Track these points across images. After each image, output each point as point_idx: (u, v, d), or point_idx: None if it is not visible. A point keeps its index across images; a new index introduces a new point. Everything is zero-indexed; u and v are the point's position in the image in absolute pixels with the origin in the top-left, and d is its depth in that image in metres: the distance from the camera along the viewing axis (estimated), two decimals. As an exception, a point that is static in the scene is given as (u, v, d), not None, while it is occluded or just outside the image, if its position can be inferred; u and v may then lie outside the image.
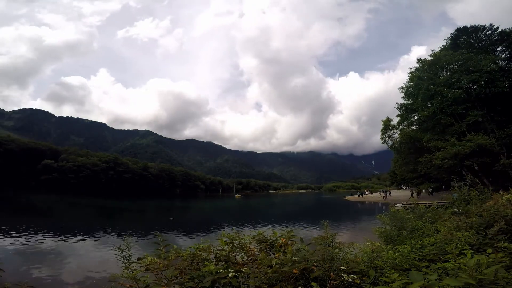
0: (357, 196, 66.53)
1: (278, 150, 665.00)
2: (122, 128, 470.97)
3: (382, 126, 39.48)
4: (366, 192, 73.89)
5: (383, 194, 54.58)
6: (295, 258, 2.47)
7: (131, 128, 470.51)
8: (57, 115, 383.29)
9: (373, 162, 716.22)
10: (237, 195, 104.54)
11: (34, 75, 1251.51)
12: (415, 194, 41.55)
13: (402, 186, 71.33)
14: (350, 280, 2.38)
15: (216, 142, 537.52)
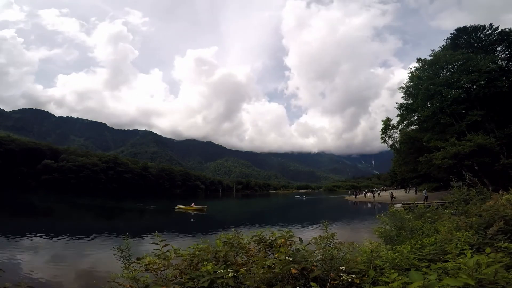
0: (353, 196, 65.65)
1: (281, 151, 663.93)
2: (123, 128, 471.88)
3: (382, 126, 39.56)
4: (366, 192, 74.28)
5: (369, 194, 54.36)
6: (289, 258, 2.46)
7: (130, 128, 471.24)
8: (57, 115, 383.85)
9: (373, 162, 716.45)
10: (181, 207, 33.90)
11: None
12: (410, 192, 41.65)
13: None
14: (349, 280, 2.38)
15: (215, 142, 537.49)
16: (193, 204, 33.56)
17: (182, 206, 33.48)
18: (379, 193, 61.58)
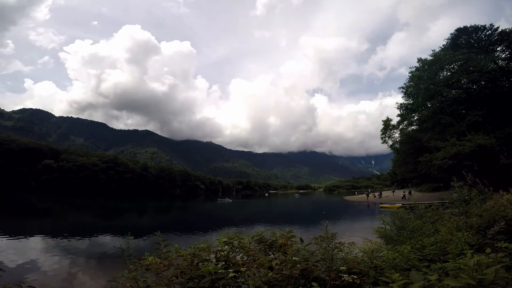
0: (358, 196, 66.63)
1: (279, 150, 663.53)
2: (123, 128, 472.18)
3: (382, 126, 39.55)
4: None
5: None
6: (296, 259, 2.47)
7: (131, 128, 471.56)
8: (57, 115, 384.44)
9: (373, 162, 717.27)
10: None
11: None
12: (407, 194, 41.72)
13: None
14: (350, 280, 2.38)
15: (215, 142, 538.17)
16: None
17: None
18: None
